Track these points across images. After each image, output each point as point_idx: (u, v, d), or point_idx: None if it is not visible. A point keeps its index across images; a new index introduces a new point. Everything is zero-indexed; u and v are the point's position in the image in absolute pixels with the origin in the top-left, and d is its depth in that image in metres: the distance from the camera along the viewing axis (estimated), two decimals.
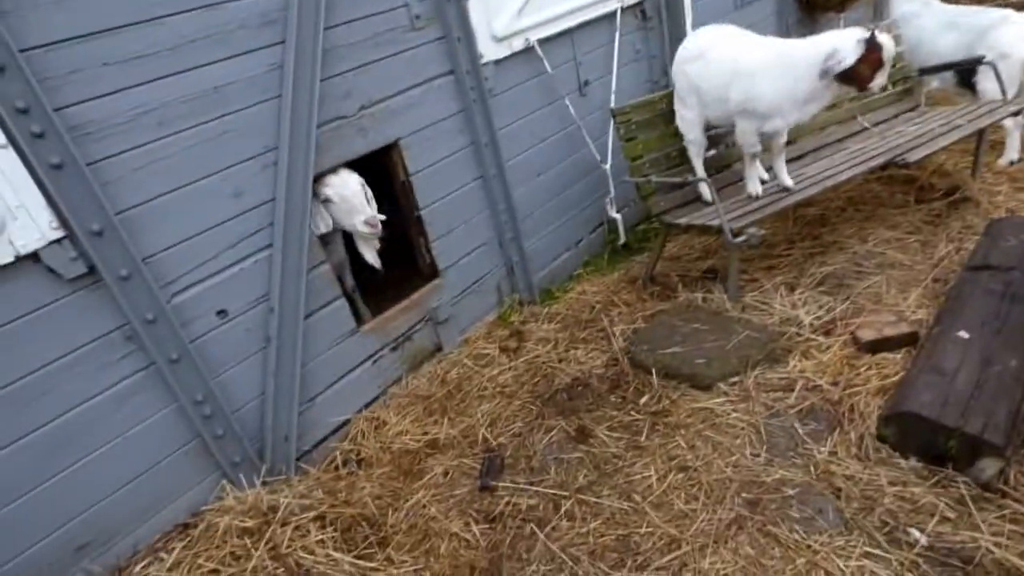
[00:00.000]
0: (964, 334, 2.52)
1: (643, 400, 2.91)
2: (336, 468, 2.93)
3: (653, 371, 3.02)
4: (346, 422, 3.13)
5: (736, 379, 2.89)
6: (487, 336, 3.66)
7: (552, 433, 2.90)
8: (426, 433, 3.03)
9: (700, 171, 3.68)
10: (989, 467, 2.13)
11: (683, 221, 3.47)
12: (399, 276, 3.53)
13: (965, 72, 4.35)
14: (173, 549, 2.47)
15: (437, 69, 3.27)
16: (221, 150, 2.54)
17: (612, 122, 3.78)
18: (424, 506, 2.65)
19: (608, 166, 4.11)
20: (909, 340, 2.78)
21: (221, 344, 2.65)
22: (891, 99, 4.52)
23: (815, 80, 3.05)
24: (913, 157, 3.51)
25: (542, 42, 3.68)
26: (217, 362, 2.64)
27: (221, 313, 2.63)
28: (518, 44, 3.57)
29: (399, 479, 2.81)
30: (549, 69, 3.75)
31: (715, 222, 3.24)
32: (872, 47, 2.93)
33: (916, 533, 2.08)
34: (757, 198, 3.54)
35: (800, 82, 3.10)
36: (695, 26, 4.58)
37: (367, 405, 3.23)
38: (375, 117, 3.04)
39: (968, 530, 2.06)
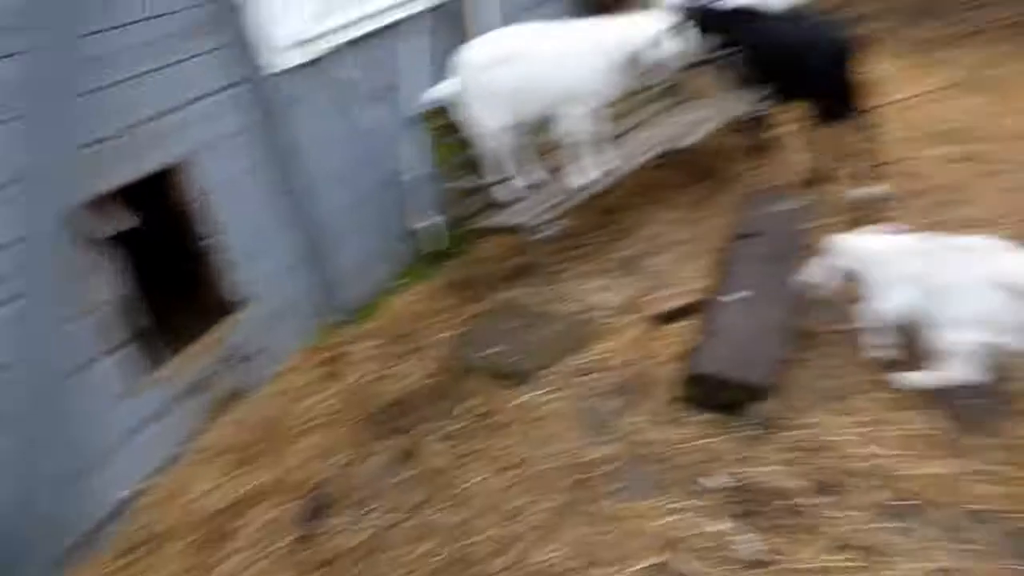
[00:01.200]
0: (737, 295, 2.88)
1: (469, 405, 2.96)
2: (125, 554, 2.56)
3: (477, 374, 3.08)
4: (137, 493, 2.74)
5: (553, 369, 3.04)
6: (303, 365, 3.48)
7: (380, 457, 2.83)
8: (239, 486, 2.77)
9: (500, 173, 3.80)
10: (763, 408, 2.46)
11: (489, 223, 3.58)
12: (193, 312, 3.22)
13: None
14: None
15: (223, 80, 3.05)
16: None
17: (422, 127, 3.76)
18: (243, 570, 2.43)
19: (420, 172, 4.11)
20: (695, 308, 3.12)
21: None
22: (664, 92, 4.99)
23: (626, 60, 3.39)
24: (685, 143, 3.93)
25: (342, 48, 3.56)
26: None
27: None
28: (315, 50, 3.42)
29: (208, 547, 2.53)
30: (351, 75, 3.64)
31: (517, 221, 3.38)
32: (673, 37, 3.38)
33: (714, 479, 2.34)
34: (585, 187, 3.69)
35: (616, 61, 3.40)
36: (494, 26, 4.69)
37: (162, 468, 2.85)
38: (151, 134, 2.76)
39: (754, 466, 2.35)
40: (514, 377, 3.02)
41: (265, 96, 3.20)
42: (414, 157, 4.11)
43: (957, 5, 6.48)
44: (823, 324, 2.95)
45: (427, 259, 4.34)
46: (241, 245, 3.21)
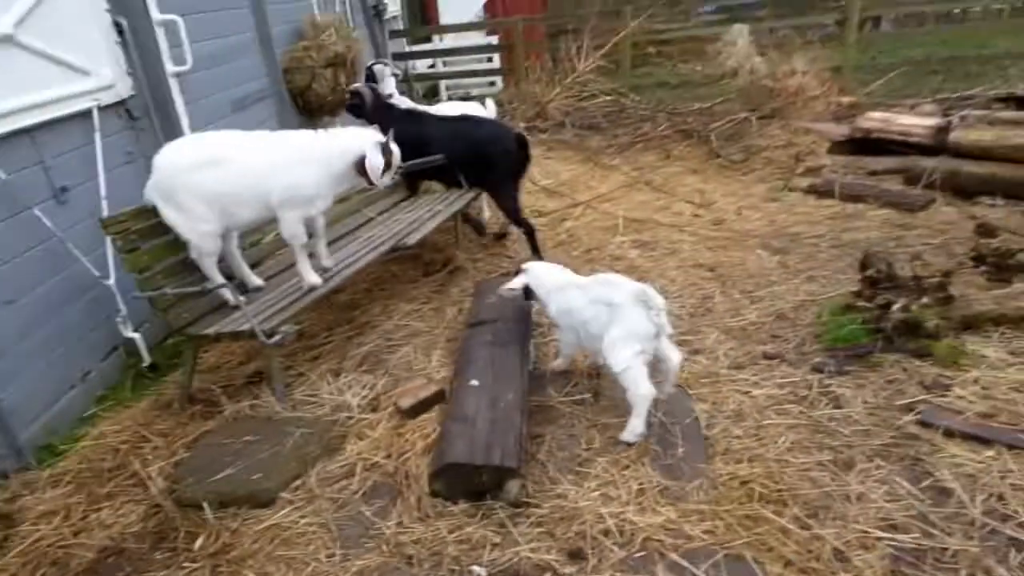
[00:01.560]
0: (475, 382, 2.99)
1: (198, 544, 2.53)
2: None
3: (205, 505, 2.67)
4: None
5: (299, 483, 2.79)
6: None
7: None
8: None
9: (218, 277, 3.50)
10: (513, 488, 2.55)
11: (212, 331, 3.24)
12: None
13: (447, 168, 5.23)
14: None
15: None
16: None
17: (116, 230, 3.30)
18: None
19: (112, 280, 3.58)
20: (439, 398, 3.16)
21: None
22: (388, 191, 5.18)
23: (345, 169, 3.52)
24: (411, 240, 4.09)
25: None
26: None
27: None
28: None
29: None
30: (2, 175, 3.09)
31: (246, 326, 3.12)
32: (387, 151, 3.54)
33: (477, 569, 2.32)
34: (315, 288, 3.58)
35: (333, 169, 3.51)
36: (194, 127, 4.47)
37: None
38: None
39: (511, 546, 2.39)
40: (253, 500, 2.69)
41: None
42: (106, 264, 3.60)
43: (614, 123, 8.02)
44: (556, 398, 3.23)
45: (140, 376, 3.75)
46: None
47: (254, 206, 3.41)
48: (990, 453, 2.66)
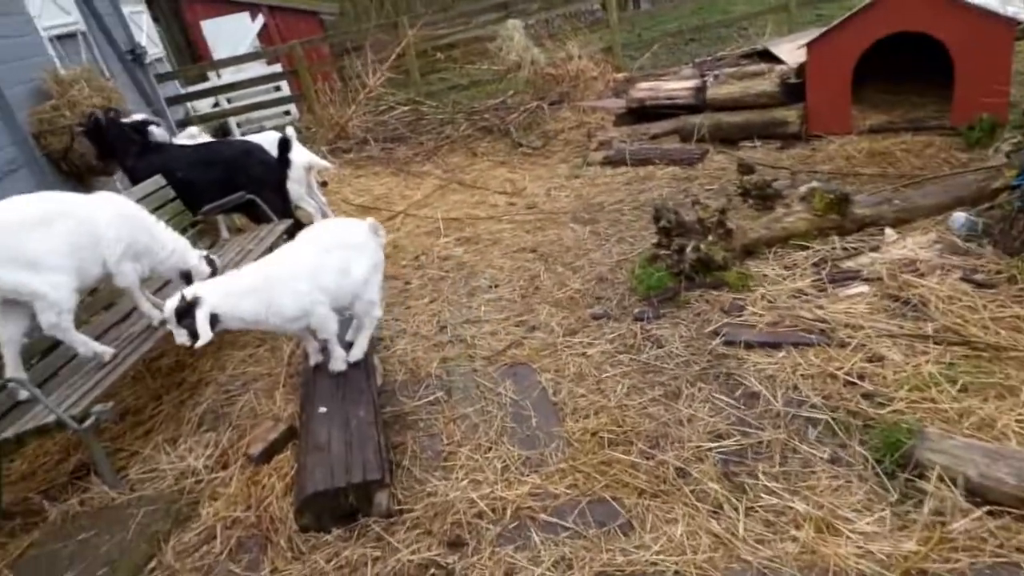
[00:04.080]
0: (323, 408, 2.95)
1: None
2: None
3: None
4: None
5: (153, 563, 2.59)
6: None
7: None
8: None
9: (16, 369, 3.11)
10: (382, 499, 2.56)
11: (10, 434, 2.87)
12: None
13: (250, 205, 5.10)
14: None
15: None
16: None
17: None
18: None
19: None
20: (290, 435, 3.07)
21: None
22: (192, 239, 4.87)
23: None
24: None
25: None
26: None
27: None
28: None
29: None
30: None
31: (50, 418, 2.81)
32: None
33: None
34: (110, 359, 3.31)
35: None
36: None
37: None
38: None
39: (392, 555, 2.41)
40: None
41: None
42: None
43: (413, 132, 8.16)
44: (409, 404, 3.27)
45: None
46: None
47: (92, 268, 3.28)
48: (782, 354, 3.13)
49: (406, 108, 8.60)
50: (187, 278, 3.67)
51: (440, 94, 9.42)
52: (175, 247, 3.70)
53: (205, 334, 2.73)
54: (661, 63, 9.49)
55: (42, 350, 3.45)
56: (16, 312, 3.10)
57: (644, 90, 7.04)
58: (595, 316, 3.80)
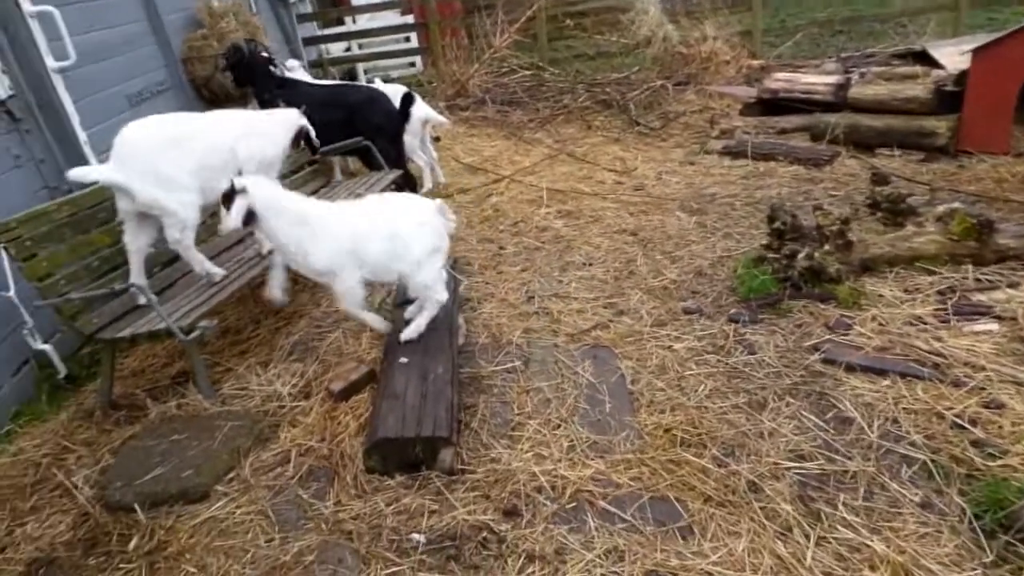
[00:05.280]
0: (404, 359, 3.03)
1: (132, 545, 2.50)
2: None
3: (136, 507, 2.63)
4: None
5: (232, 475, 2.78)
6: None
7: None
8: None
9: (139, 276, 3.39)
10: (447, 456, 2.61)
11: (126, 333, 3.14)
12: None
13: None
14: None
15: None
16: None
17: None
18: None
19: (12, 292, 3.41)
20: (370, 378, 3.18)
21: None
22: (307, 177, 5.11)
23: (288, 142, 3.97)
24: None
25: None
26: None
27: None
28: None
29: None
30: None
31: (161, 326, 3.04)
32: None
33: (416, 536, 2.38)
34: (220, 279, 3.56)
35: (279, 140, 3.89)
36: (87, 126, 4.27)
37: None
38: None
39: (449, 512, 2.46)
40: (187, 496, 2.66)
41: None
42: (4, 275, 3.42)
43: (531, 98, 8.07)
44: (487, 369, 3.30)
45: (56, 388, 3.61)
46: None
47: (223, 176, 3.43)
48: (886, 382, 2.89)
49: (528, 73, 8.53)
50: None
51: (564, 62, 9.27)
52: None
53: (233, 222, 2.87)
54: (802, 54, 8.85)
55: (163, 262, 3.75)
56: (146, 224, 3.36)
57: (780, 80, 6.61)
58: (687, 310, 3.66)
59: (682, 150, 6.42)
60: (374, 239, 3.01)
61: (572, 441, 2.77)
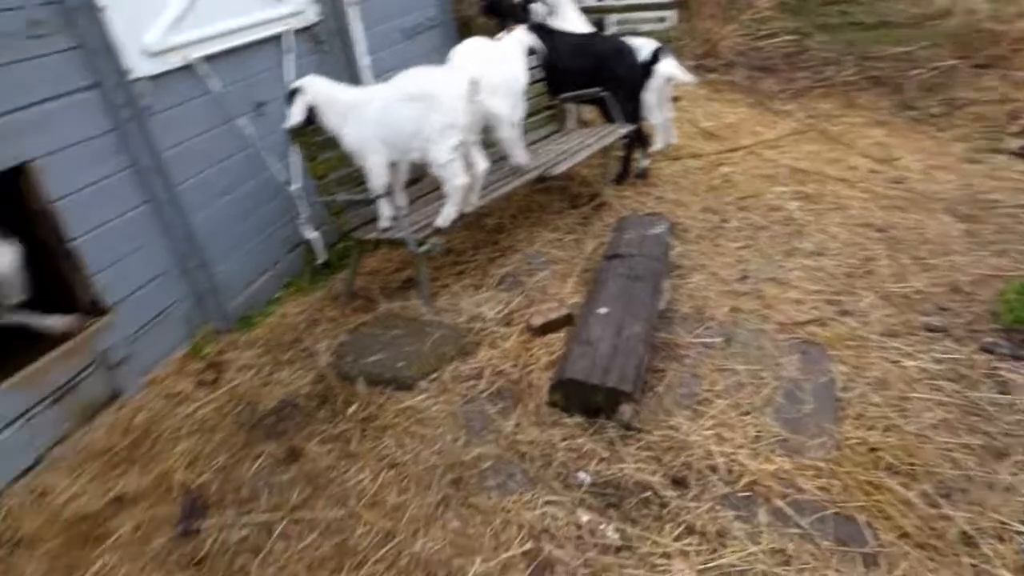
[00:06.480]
0: (603, 310, 3.09)
1: (351, 410, 2.95)
2: None
3: (359, 380, 3.08)
4: None
5: (435, 376, 3.10)
6: (179, 372, 3.35)
7: (260, 460, 2.77)
8: (109, 490, 2.66)
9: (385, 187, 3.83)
10: (627, 411, 2.65)
11: (372, 236, 3.60)
12: (57, 314, 3.03)
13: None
14: None
15: (74, 82, 2.91)
16: None
17: (300, 141, 3.74)
18: (112, 569, 2.32)
19: (297, 186, 4.07)
20: (567, 321, 3.30)
21: None
22: (543, 120, 5.28)
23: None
24: (556, 171, 4.18)
25: (206, 59, 3.50)
26: None
27: None
28: (177, 60, 3.33)
29: (75, 550, 2.41)
30: (218, 87, 3.58)
31: (400, 235, 3.43)
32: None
33: (582, 475, 2.49)
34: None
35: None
36: (370, 53, 4.81)
37: (22, 474, 2.72)
38: None
39: (617, 463, 2.52)
40: (396, 383, 3.05)
41: (126, 102, 3.08)
42: (294, 170, 4.08)
43: (788, 66, 7.37)
44: (684, 338, 3.24)
45: (316, 270, 4.29)
46: (104, 250, 3.07)
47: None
48: None
49: (789, 38, 7.79)
50: None
51: (835, 29, 8.29)
52: None
53: (293, 117, 3.33)
54: None
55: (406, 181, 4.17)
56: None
57: None
58: (930, 327, 3.22)
59: (964, 144, 5.49)
60: (398, 119, 3.28)
61: (760, 432, 2.65)
